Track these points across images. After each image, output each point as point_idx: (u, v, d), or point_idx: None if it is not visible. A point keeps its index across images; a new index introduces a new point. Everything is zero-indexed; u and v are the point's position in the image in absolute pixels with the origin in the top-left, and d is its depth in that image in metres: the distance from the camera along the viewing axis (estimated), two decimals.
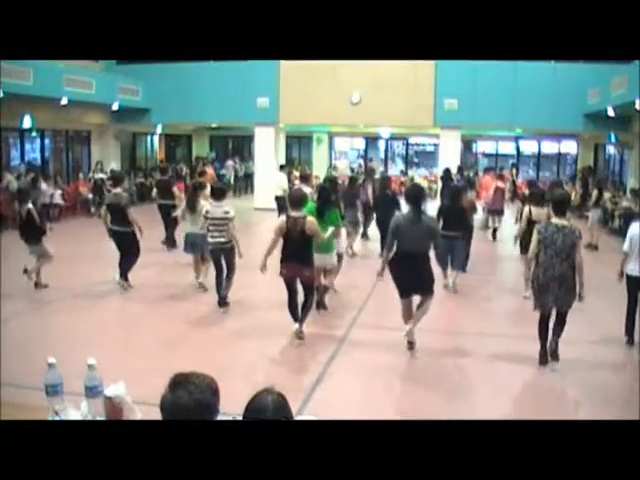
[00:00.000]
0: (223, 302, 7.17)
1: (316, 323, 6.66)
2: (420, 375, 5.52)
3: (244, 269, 7.25)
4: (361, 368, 5.56)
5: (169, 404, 1.88)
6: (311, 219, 5.94)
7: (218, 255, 7.13)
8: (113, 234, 7.96)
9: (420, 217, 5.57)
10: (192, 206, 8.04)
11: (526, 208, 7.66)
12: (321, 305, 7.18)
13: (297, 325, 6.09)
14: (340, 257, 7.70)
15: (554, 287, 5.30)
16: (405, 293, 5.78)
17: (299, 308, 6.19)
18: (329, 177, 10.01)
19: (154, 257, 9.77)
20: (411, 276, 5.63)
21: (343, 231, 8.30)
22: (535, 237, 5.37)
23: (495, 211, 12.80)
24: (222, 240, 7.00)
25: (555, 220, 5.39)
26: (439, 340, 6.44)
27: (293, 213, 5.92)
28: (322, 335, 6.43)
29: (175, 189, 11.05)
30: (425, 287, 5.74)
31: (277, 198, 13.11)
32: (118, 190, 8.08)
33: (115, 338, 6.32)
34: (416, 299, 5.90)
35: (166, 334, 6.42)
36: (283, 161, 19.69)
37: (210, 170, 16.81)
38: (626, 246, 6.10)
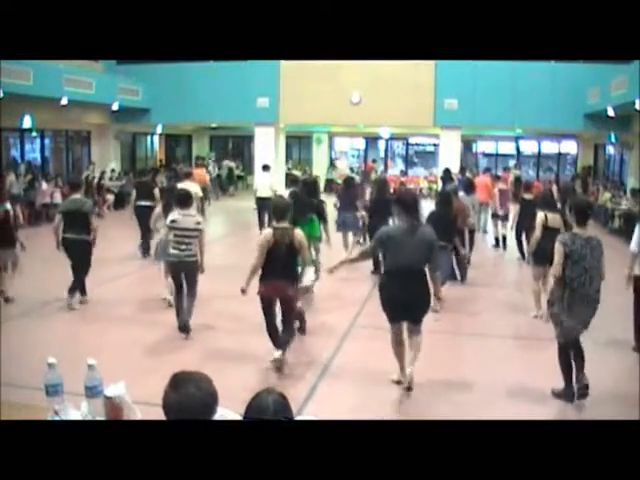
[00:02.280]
0: (185, 328, 6.25)
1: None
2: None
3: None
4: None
5: (174, 402, 1.89)
6: (299, 231, 5.40)
7: (179, 271, 6.29)
8: (68, 243, 7.20)
9: (416, 227, 4.85)
10: (167, 211, 7.14)
11: (540, 214, 6.90)
12: (302, 329, 6.43)
13: (278, 352, 5.37)
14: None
15: (585, 308, 4.68)
16: (396, 318, 4.96)
17: (280, 332, 5.48)
18: (305, 179, 9.00)
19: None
20: (405, 298, 4.80)
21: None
22: (561, 250, 4.64)
23: (498, 216, 11.94)
24: (189, 254, 6.22)
25: (579, 231, 4.73)
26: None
27: (279, 224, 5.33)
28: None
29: (156, 191, 10.08)
30: (419, 313, 4.98)
31: (263, 199, 11.63)
32: (77, 196, 7.48)
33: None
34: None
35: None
36: (283, 161, 19.68)
37: (199, 171, 15.16)
38: (634, 245, 5.77)
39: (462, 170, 15.38)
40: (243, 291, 5.34)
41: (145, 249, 10.05)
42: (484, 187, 12.80)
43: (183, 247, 6.19)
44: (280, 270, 5.24)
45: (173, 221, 6.23)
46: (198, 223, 6.27)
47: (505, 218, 11.53)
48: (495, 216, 12.10)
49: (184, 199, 6.36)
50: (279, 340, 5.45)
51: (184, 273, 6.28)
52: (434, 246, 4.87)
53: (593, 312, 4.73)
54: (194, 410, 1.86)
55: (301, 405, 4.70)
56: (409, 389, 4.97)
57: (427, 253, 4.81)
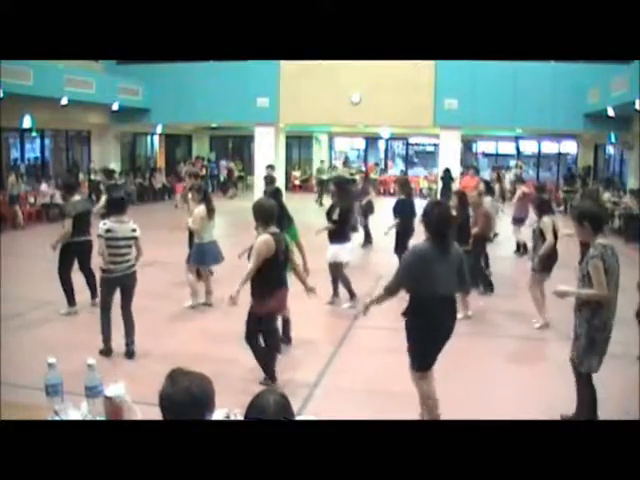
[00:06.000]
0: (131, 352, 5.60)
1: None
2: None
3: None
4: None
5: (169, 394, 1.91)
6: (286, 236, 5.24)
7: (115, 287, 5.63)
8: (79, 246, 7.01)
9: (449, 247, 4.01)
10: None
11: (547, 219, 6.63)
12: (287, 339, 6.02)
13: (275, 383, 4.91)
14: None
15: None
16: (434, 360, 4.10)
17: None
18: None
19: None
20: (447, 332, 4.04)
21: None
22: (601, 266, 3.97)
23: (518, 220, 11.25)
24: (127, 265, 5.61)
25: (603, 241, 4.11)
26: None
27: (273, 229, 4.85)
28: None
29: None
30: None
31: None
32: (78, 197, 7.31)
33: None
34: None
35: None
36: (283, 161, 19.63)
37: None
38: None
39: (474, 171, 14.36)
40: (233, 300, 4.66)
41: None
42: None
43: (119, 259, 5.57)
44: (283, 280, 4.95)
45: (108, 230, 5.51)
46: (134, 230, 5.70)
47: (522, 221, 11.05)
48: (515, 220, 11.38)
49: (115, 204, 5.76)
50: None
51: (120, 287, 5.65)
52: (463, 262, 4.12)
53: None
54: (186, 405, 1.88)
55: (301, 405, 4.66)
56: None
57: (459, 274, 4.08)
